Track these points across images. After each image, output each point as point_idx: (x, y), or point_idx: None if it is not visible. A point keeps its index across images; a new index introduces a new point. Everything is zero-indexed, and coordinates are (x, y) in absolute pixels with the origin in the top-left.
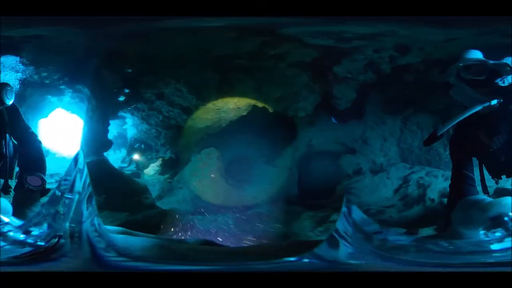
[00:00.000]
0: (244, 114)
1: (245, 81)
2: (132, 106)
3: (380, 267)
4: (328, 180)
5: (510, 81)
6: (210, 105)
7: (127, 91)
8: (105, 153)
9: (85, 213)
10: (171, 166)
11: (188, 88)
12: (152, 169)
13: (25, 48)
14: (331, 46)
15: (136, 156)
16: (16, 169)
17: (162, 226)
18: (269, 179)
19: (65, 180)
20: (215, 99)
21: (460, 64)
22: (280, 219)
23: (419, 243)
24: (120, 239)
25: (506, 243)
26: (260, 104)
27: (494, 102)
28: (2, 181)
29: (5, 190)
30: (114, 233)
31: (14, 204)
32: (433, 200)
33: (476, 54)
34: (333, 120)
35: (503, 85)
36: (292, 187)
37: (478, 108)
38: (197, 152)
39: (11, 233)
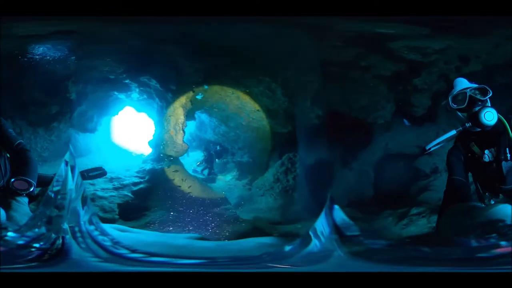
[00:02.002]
0: (326, 120)
1: (334, 89)
2: (210, 106)
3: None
4: (403, 180)
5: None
6: (296, 109)
7: (206, 87)
8: (180, 157)
9: (82, 212)
10: (249, 171)
11: (284, 89)
12: (228, 174)
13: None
14: (416, 60)
15: (210, 160)
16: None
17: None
18: (346, 181)
19: (57, 180)
20: (304, 103)
21: (449, 97)
22: (359, 218)
23: (395, 248)
24: (121, 236)
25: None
26: (342, 111)
27: (466, 126)
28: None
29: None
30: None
31: (5, 210)
32: None
33: (461, 84)
34: (406, 122)
35: (477, 109)
36: (368, 189)
37: (453, 132)
38: (278, 156)
39: (9, 238)
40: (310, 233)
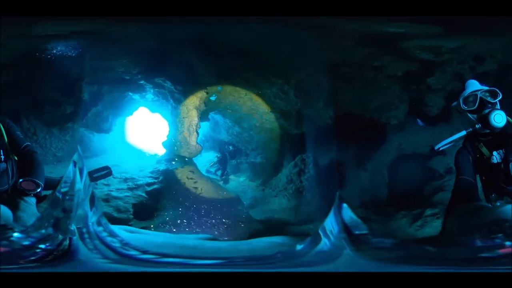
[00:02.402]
0: (339, 121)
1: (347, 89)
2: (224, 107)
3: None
4: (418, 180)
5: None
6: (309, 110)
7: (220, 88)
8: (194, 158)
9: (89, 213)
10: (262, 172)
11: (297, 91)
12: (242, 175)
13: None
14: (429, 60)
15: (224, 160)
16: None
17: None
18: (361, 182)
19: (65, 182)
20: (317, 105)
21: (460, 98)
22: (374, 219)
23: (401, 247)
24: (130, 237)
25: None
26: (355, 112)
27: (476, 128)
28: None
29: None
30: (121, 231)
31: (12, 210)
32: None
33: (473, 86)
34: (419, 122)
35: (487, 111)
36: (382, 189)
37: (463, 133)
38: (292, 157)
39: (15, 238)
40: (320, 232)
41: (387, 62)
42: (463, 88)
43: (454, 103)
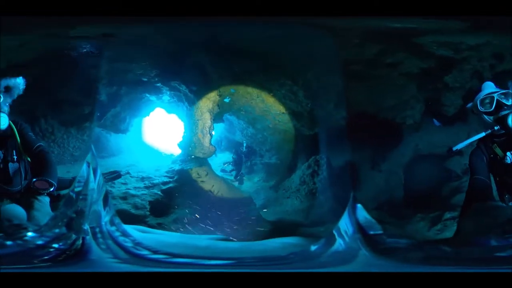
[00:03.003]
0: (352, 121)
1: (359, 88)
2: (237, 108)
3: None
4: (435, 181)
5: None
6: (320, 111)
7: (233, 91)
8: (208, 158)
9: (103, 213)
10: (276, 173)
11: (306, 91)
12: (256, 176)
13: (107, 45)
14: (448, 56)
15: (239, 161)
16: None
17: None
18: (375, 184)
19: (79, 182)
20: (328, 105)
21: (477, 100)
22: (390, 222)
23: (416, 247)
24: (143, 237)
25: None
26: (369, 111)
27: (495, 129)
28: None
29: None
30: (134, 231)
31: (26, 210)
32: None
33: (489, 88)
34: (435, 122)
35: (504, 113)
36: (399, 191)
37: (482, 135)
38: (305, 158)
39: (29, 238)
40: (334, 232)
41: (401, 59)
42: (479, 90)
43: (469, 105)
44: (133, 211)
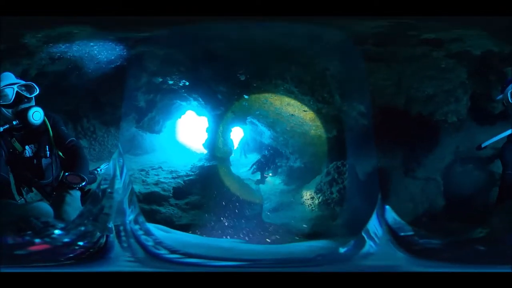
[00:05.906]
0: (377, 120)
1: (379, 72)
2: (255, 113)
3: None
4: (479, 188)
5: None
6: (332, 109)
7: (246, 97)
8: (231, 158)
9: (128, 211)
10: (299, 177)
11: (298, 87)
12: (278, 178)
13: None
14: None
15: (264, 162)
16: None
17: None
18: (409, 193)
19: (105, 179)
20: (347, 103)
21: (508, 92)
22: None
23: (450, 247)
24: (165, 236)
25: None
26: (398, 105)
27: None
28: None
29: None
30: (156, 230)
31: (55, 206)
32: None
33: None
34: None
35: None
36: (438, 200)
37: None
38: (329, 162)
39: (56, 235)
40: (363, 234)
41: (458, 34)
42: (507, 83)
43: (499, 96)
44: (161, 192)
